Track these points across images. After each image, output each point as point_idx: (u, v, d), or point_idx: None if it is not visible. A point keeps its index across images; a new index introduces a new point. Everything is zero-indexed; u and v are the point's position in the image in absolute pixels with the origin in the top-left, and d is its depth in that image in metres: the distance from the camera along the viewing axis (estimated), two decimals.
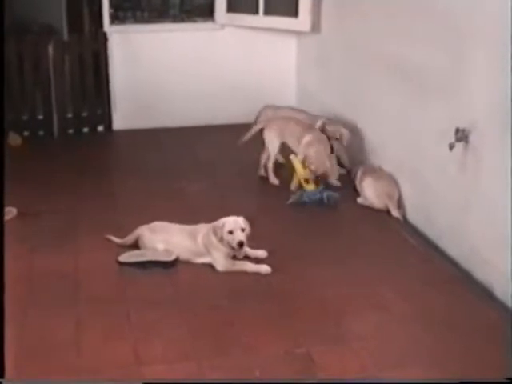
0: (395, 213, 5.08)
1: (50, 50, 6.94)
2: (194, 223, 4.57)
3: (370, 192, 5.27)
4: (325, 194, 5.28)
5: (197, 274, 4.27)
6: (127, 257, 4.37)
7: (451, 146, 4.24)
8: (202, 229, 4.43)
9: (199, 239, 4.37)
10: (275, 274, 4.25)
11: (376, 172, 5.42)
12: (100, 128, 7.31)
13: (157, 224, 4.55)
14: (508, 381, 3.04)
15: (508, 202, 3.86)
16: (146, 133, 7.22)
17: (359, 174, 5.51)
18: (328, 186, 5.47)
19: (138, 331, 3.62)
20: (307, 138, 5.65)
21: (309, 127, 5.85)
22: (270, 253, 4.45)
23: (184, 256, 4.36)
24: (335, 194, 5.32)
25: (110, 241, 4.58)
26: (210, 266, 4.32)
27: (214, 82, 7.41)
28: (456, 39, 4.37)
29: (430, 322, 3.80)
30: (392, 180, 5.26)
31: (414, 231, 4.89)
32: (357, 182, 5.50)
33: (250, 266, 4.29)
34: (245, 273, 4.25)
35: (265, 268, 4.27)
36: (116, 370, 3.30)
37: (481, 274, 4.20)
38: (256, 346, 3.52)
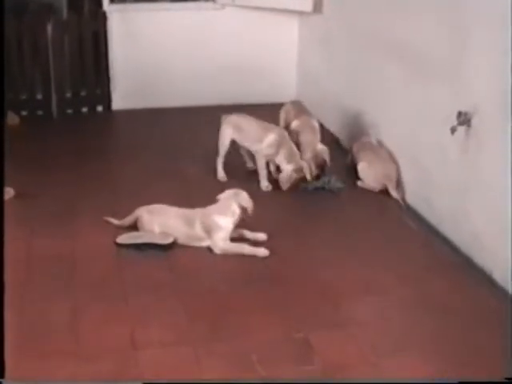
0: (394, 193, 5.03)
1: (49, 29, 6.86)
2: (191, 206, 4.53)
3: (366, 176, 5.21)
4: (326, 183, 5.20)
5: (194, 257, 4.24)
6: (125, 238, 4.34)
7: (453, 130, 4.19)
8: (199, 213, 4.39)
9: (197, 223, 4.33)
10: (274, 257, 4.22)
11: (371, 151, 5.31)
12: (99, 108, 7.25)
13: (156, 206, 4.51)
14: (508, 381, 3.00)
15: (509, 187, 3.82)
16: (145, 113, 7.14)
17: (354, 152, 5.46)
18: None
19: (135, 315, 3.60)
20: (296, 123, 5.58)
21: (300, 111, 5.79)
22: (268, 236, 4.40)
23: (181, 240, 4.34)
24: (338, 183, 5.23)
25: (108, 223, 4.55)
26: (208, 249, 4.29)
27: (214, 62, 7.32)
28: (459, 21, 4.30)
29: (430, 308, 3.77)
30: (389, 159, 5.19)
31: (415, 215, 4.85)
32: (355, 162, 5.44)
33: (247, 249, 4.26)
34: (242, 256, 4.22)
35: (262, 251, 4.24)
36: (112, 354, 3.28)
37: (481, 259, 4.17)
38: (253, 331, 3.50)
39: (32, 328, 3.46)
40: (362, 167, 5.26)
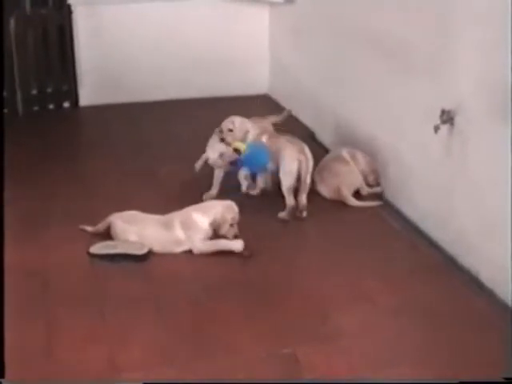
0: (352, 202, 4.87)
1: (12, 23, 6.64)
2: (167, 208, 4.39)
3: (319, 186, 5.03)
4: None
5: (171, 267, 4.08)
6: (98, 248, 4.17)
7: (436, 129, 4.07)
8: (177, 215, 4.26)
9: (177, 224, 4.19)
10: (255, 264, 4.08)
11: (330, 165, 5.05)
12: (66, 104, 7.05)
13: (130, 213, 4.35)
14: (507, 381, 2.93)
15: (495, 186, 3.73)
16: (113, 108, 6.94)
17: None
18: None
19: (114, 333, 3.43)
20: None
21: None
22: (249, 240, 4.23)
23: (159, 248, 4.18)
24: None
25: (83, 231, 4.36)
26: (185, 257, 4.15)
27: (184, 55, 7.14)
28: (444, 13, 4.15)
29: (418, 314, 3.66)
30: (328, 173, 4.95)
31: (398, 214, 4.74)
32: None
33: (223, 244, 4.15)
34: (222, 263, 4.07)
35: (238, 244, 4.14)
36: (90, 378, 3.11)
37: (467, 259, 4.06)
38: (238, 347, 3.35)
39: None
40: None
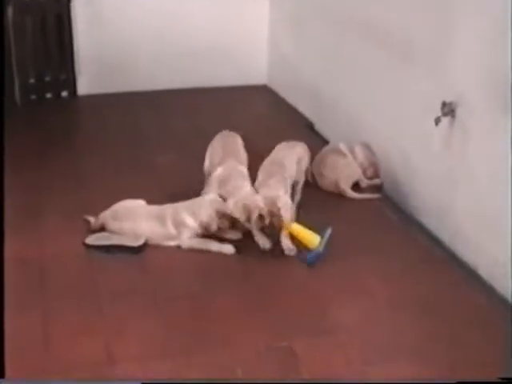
0: (350, 194, 4.85)
1: (10, 11, 6.57)
2: (166, 200, 4.36)
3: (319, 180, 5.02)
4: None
5: (167, 258, 4.05)
6: (94, 239, 4.14)
7: (437, 121, 4.05)
8: (170, 209, 4.23)
9: (168, 220, 4.16)
10: (253, 257, 4.05)
11: (326, 159, 5.02)
12: (64, 93, 6.99)
13: (119, 208, 4.29)
14: (505, 381, 2.91)
15: (496, 180, 3.71)
16: (111, 97, 6.88)
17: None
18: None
19: (111, 325, 3.40)
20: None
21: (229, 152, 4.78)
22: (246, 234, 4.21)
23: (153, 241, 4.15)
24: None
25: (87, 221, 4.31)
26: (182, 250, 4.12)
27: (183, 44, 7.08)
28: (444, 4, 4.12)
29: (416, 309, 3.64)
30: (326, 167, 4.90)
31: (397, 207, 4.71)
32: None
33: (213, 246, 4.11)
34: (217, 255, 4.05)
35: (228, 248, 4.09)
36: (87, 369, 3.08)
37: (466, 254, 4.05)
38: (235, 341, 3.32)
39: None
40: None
